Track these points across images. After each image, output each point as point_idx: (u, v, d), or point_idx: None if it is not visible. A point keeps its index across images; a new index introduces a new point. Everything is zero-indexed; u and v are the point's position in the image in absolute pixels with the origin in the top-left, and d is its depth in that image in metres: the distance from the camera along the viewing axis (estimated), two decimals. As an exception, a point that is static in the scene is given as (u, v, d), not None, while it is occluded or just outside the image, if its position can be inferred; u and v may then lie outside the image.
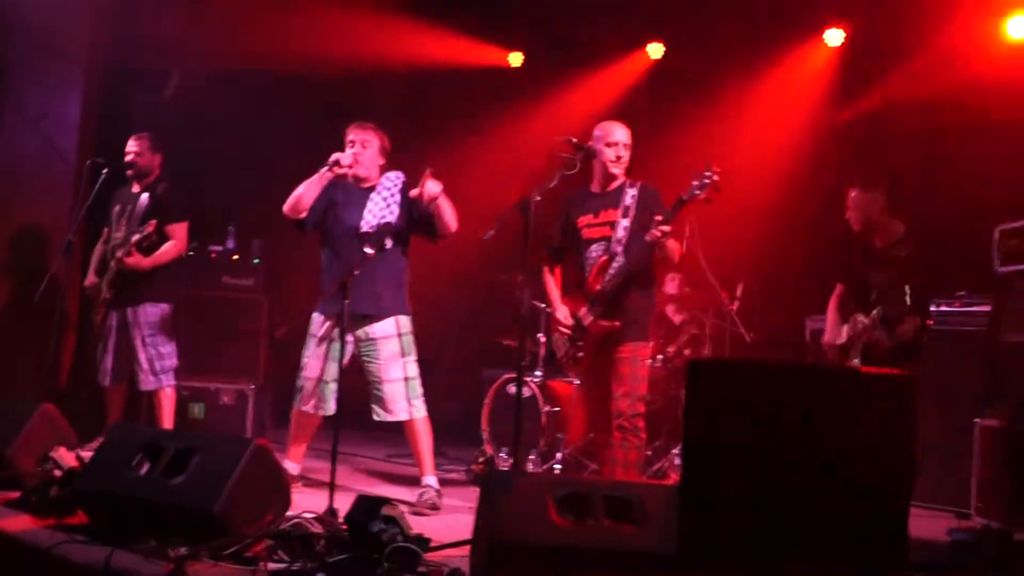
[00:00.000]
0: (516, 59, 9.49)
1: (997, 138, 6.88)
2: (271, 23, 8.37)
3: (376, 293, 5.83)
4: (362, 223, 5.87)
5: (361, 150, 5.97)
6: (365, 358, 5.90)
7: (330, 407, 5.83)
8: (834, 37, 8.05)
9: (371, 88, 9.05)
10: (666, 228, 5.25)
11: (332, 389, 5.78)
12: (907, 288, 5.76)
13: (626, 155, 5.63)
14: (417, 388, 5.92)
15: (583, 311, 5.57)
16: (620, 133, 5.63)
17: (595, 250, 5.61)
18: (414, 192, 5.74)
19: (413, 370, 5.92)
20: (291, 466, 5.93)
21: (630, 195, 5.55)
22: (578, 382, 7.24)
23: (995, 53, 7.18)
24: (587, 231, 5.66)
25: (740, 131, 8.04)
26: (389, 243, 5.89)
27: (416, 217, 5.88)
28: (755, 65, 8.15)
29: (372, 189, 5.99)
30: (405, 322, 5.94)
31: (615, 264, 5.48)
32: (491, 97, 9.22)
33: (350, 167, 5.86)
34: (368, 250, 5.59)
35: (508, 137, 8.93)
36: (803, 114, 8.10)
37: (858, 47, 7.94)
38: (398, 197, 5.95)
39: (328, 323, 5.88)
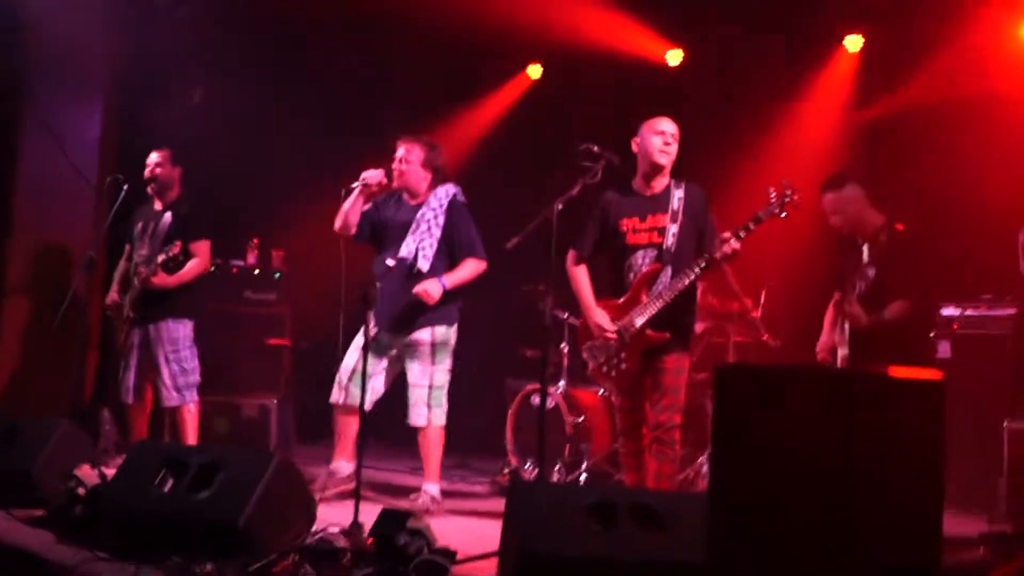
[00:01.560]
0: (535, 71, 9.47)
1: (1021, 140, 6.81)
2: (287, 32, 8.43)
3: (407, 311, 6.00)
4: (403, 246, 6.03)
5: (404, 167, 6.11)
6: (406, 362, 6.09)
7: (356, 397, 5.71)
8: (853, 43, 7.99)
9: (393, 98, 9.08)
10: (736, 246, 5.11)
11: (360, 381, 5.63)
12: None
13: (674, 146, 5.40)
14: (440, 397, 6.04)
15: (625, 321, 5.32)
16: (668, 124, 5.43)
17: (641, 257, 5.38)
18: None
19: (440, 379, 6.06)
20: (343, 466, 6.04)
21: (676, 197, 5.35)
22: (602, 391, 7.22)
23: (1015, 54, 7.11)
24: (632, 236, 5.41)
25: (762, 136, 7.99)
26: (424, 266, 5.99)
27: (457, 242, 6.07)
28: (777, 70, 8.10)
29: (420, 207, 6.11)
30: (442, 331, 6.07)
31: (665, 276, 5.30)
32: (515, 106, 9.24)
33: (382, 183, 5.97)
34: (390, 262, 5.79)
35: (532, 146, 8.94)
36: (825, 118, 8.05)
37: (879, 51, 7.88)
38: (441, 220, 6.05)
39: (376, 328, 6.02)
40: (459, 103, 9.26)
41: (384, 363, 6.12)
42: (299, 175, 8.70)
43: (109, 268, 7.29)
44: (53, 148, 7.90)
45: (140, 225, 6.85)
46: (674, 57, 8.74)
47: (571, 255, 5.61)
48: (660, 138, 5.39)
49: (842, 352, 5.65)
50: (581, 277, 5.60)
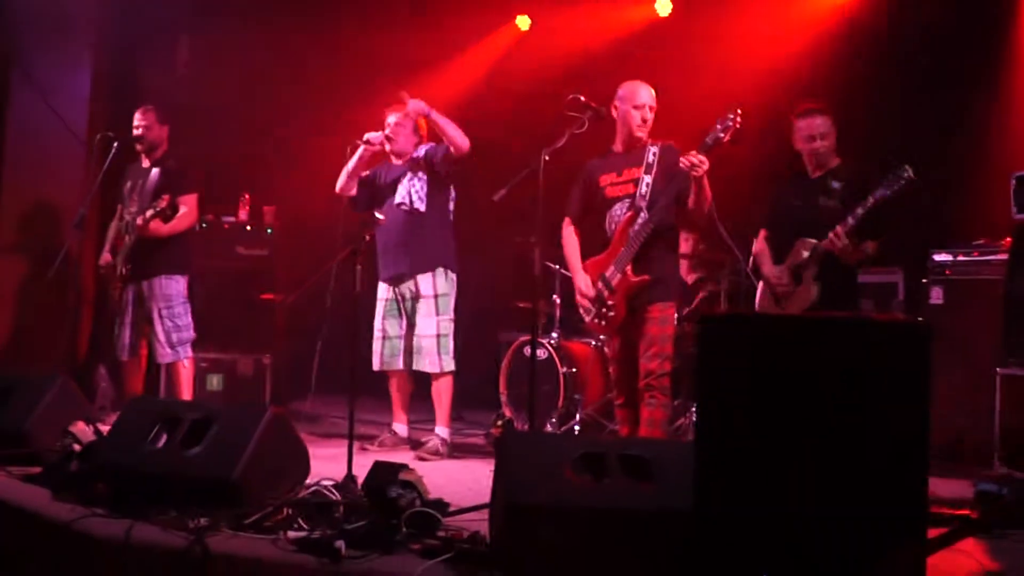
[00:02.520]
0: (524, 22, 9.42)
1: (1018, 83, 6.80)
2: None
3: (410, 255, 6.36)
4: (396, 195, 6.38)
5: (398, 130, 6.46)
6: (409, 312, 6.42)
7: (397, 362, 6.46)
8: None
9: (383, 52, 9.02)
10: (702, 157, 5.12)
11: (398, 345, 6.43)
12: (855, 213, 5.44)
13: (651, 117, 5.56)
14: (448, 344, 6.40)
15: (610, 271, 5.46)
16: (646, 94, 5.55)
17: (618, 208, 5.53)
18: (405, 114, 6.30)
19: (446, 327, 6.40)
20: (399, 428, 6.55)
21: (652, 152, 5.47)
22: (595, 343, 7.25)
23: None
24: (610, 190, 5.59)
25: (748, 83, 7.94)
26: (421, 208, 6.34)
27: (436, 163, 6.34)
28: (767, 18, 8.04)
29: (407, 162, 6.48)
30: (442, 280, 6.41)
31: (640, 220, 5.39)
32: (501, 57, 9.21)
33: (381, 144, 6.38)
34: (378, 215, 5.83)
35: (518, 98, 8.89)
36: (814, 61, 7.99)
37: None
38: (422, 163, 6.41)
39: (384, 286, 6.53)
40: (448, 56, 9.20)
41: (403, 320, 6.47)
42: (290, 130, 8.68)
43: (101, 226, 7.28)
44: (42, 106, 7.86)
45: (129, 184, 6.85)
46: (663, 8, 8.71)
47: (564, 221, 5.79)
48: (639, 113, 5.53)
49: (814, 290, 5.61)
50: (569, 239, 5.78)
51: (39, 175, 7.89)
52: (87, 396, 5.67)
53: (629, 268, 5.39)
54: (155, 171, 6.68)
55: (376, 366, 6.55)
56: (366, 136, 6.34)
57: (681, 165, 5.18)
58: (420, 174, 6.39)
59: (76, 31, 8.11)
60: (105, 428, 4.96)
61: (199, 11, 8.32)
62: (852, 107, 6.83)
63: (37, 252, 7.64)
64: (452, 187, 6.48)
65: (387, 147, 6.44)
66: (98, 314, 7.94)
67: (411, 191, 6.36)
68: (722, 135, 5.20)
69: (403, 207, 6.34)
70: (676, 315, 6.11)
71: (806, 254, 5.60)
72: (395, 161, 6.54)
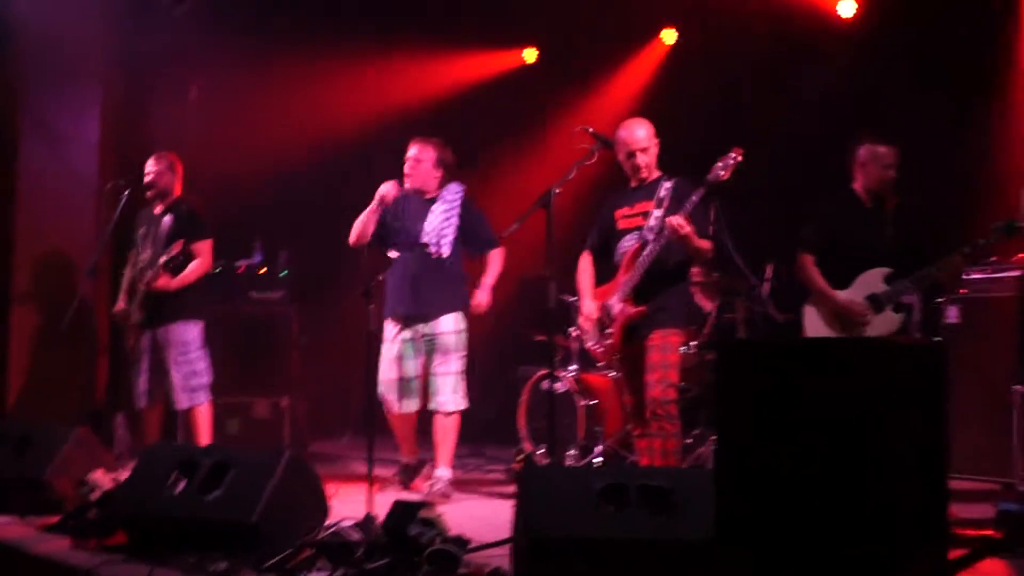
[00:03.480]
0: (531, 55, 9.47)
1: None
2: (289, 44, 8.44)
3: (432, 296, 6.27)
4: (422, 235, 6.29)
5: (415, 165, 6.36)
6: (425, 349, 6.31)
7: (413, 405, 6.34)
8: (846, 8, 7.93)
9: (393, 77, 9.09)
10: (684, 224, 5.16)
11: (415, 386, 6.29)
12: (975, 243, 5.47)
13: (645, 158, 5.57)
14: (462, 383, 6.32)
15: (612, 299, 5.53)
16: (632, 140, 5.57)
17: (627, 240, 5.58)
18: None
19: (461, 366, 6.33)
20: (408, 459, 6.46)
21: (664, 187, 5.49)
22: (614, 374, 7.22)
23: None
24: (622, 222, 5.64)
25: (761, 110, 7.96)
26: (447, 253, 6.28)
27: (471, 239, 6.40)
28: (774, 44, 8.05)
29: (433, 201, 6.39)
30: (462, 320, 6.36)
31: (645, 252, 5.42)
32: (512, 95, 9.23)
33: (397, 193, 6.26)
34: (392, 254, 5.99)
35: (533, 132, 8.93)
36: (821, 92, 8.00)
37: (875, 16, 7.84)
38: (455, 219, 6.34)
39: (397, 326, 6.34)
40: (461, 93, 9.26)
41: (421, 360, 6.33)
42: (303, 173, 8.71)
43: (114, 273, 7.30)
44: (52, 152, 7.91)
45: (142, 230, 6.85)
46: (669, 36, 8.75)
47: (583, 252, 5.88)
48: (629, 161, 5.60)
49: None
50: (582, 266, 5.85)
51: (52, 223, 7.90)
52: (105, 444, 5.67)
53: (630, 298, 5.45)
54: (167, 217, 6.69)
55: (396, 409, 6.33)
56: (380, 195, 6.21)
57: (667, 223, 5.23)
58: (452, 220, 6.32)
59: (86, 74, 8.14)
60: (123, 476, 4.95)
61: (209, 55, 8.38)
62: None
63: (51, 300, 7.65)
64: None
65: (405, 185, 6.33)
66: (114, 362, 7.95)
67: (440, 235, 6.28)
68: (723, 173, 5.27)
69: (430, 249, 6.26)
70: (684, 342, 6.10)
71: (884, 284, 5.56)
72: (415, 194, 6.40)
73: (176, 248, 6.45)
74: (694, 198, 5.33)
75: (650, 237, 5.43)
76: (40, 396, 7.59)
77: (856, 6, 7.83)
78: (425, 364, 6.31)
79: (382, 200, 6.22)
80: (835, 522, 2.91)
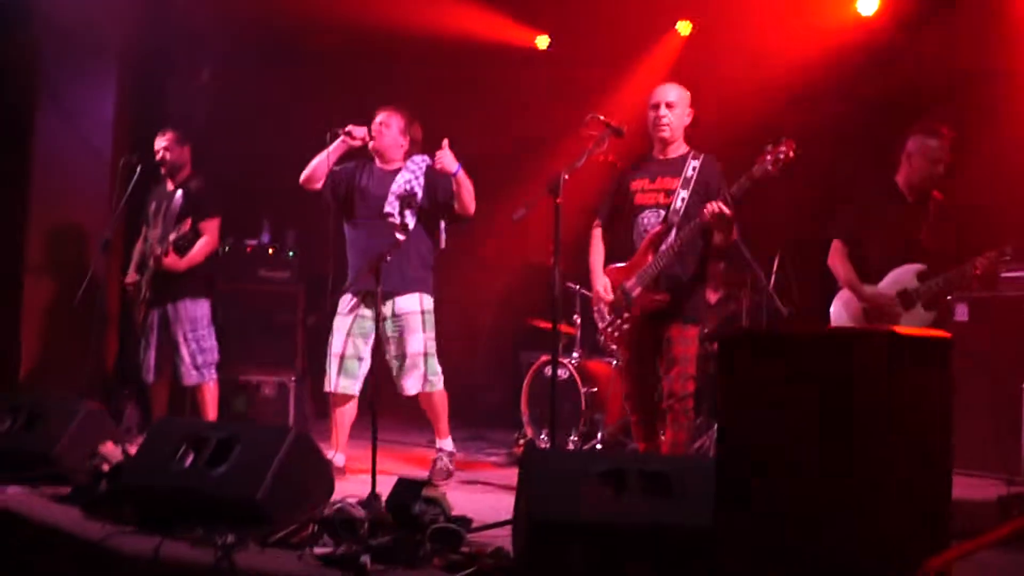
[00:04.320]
0: (543, 41, 9.49)
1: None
2: (301, 7, 8.44)
3: (395, 273, 5.93)
4: (386, 204, 6.05)
5: (382, 129, 6.16)
6: (389, 333, 6.08)
7: (352, 386, 6.05)
8: (866, 6, 7.95)
9: (404, 73, 9.09)
10: (725, 210, 5.03)
11: (358, 366, 6.01)
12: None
13: (669, 115, 5.38)
14: (435, 365, 6.11)
15: (631, 282, 5.37)
16: (661, 92, 5.42)
17: (647, 217, 5.39)
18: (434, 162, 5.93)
19: (432, 347, 6.11)
20: (337, 457, 6.01)
21: (692, 166, 5.30)
22: (616, 362, 7.26)
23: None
24: (640, 196, 5.43)
25: (771, 104, 7.97)
26: (411, 221, 6.03)
27: (440, 200, 6.06)
28: (790, 40, 8.05)
29: (397, 172, 6.16)
30: (428, 300, 6.13)
31: (671, 238, 5.25)
32: (519, 78, 9.24)
33: (363, 140, 6.06)
34: (400, 236, 5.77)
35: (537, 118, 8.93)
36: (837, 80, 8.01)
37: (891, 13, 7.85)
38: (421, 180, 6.12)
39: (354, 300, 6.08)
40: (467, 77, 9.27)
41: (371, 340, 6.06)
42: (312, 153, 8.73)
43: (127, 249, 7.36)
44: (67, 127, 7.95)
45: (154, 205, 6.92)
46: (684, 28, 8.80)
47: (594, 223, 5.71)
48: (653, 112, 5.43)
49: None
50: (594, 243, 5.68)
51: (66, 198, 7.96)
52: (114, 418, 5.73)
53: (652, 284, 5.31)
54: (179, 194, 6.74)
55: (331, 387, 6.09)
56: (348, 127, 6.02)
57: (706, 213, 5.08)
58: (415, 190, 6.07)
59: (101, 52, 8.18)
60: (132, 449, 5.01)
61: (222, 35, 8.41)
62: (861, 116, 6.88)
63: (64, 275, 7.70)
64: (443, 221, 6.23)
65: (369, 144, 6.13)
66: (124, 337, 8.01)
67: (401, 208, 6.04)
68: (771, 168, 5.05)
69: (391, 219, 5.99)
70: (701, 334, 6.14)
71: (917, 281, 5.56)
72: (379, 164, 6.23)
73: (185, 227, 6.51)
74: (691, 171, 5.25)
75: (676, 221, 5.26)
76: (51, 369, 7.65)
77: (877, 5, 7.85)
78: (390, 347, 6.09)
79: (349, 133, 6.01)
80: (836, 512, 2.94)
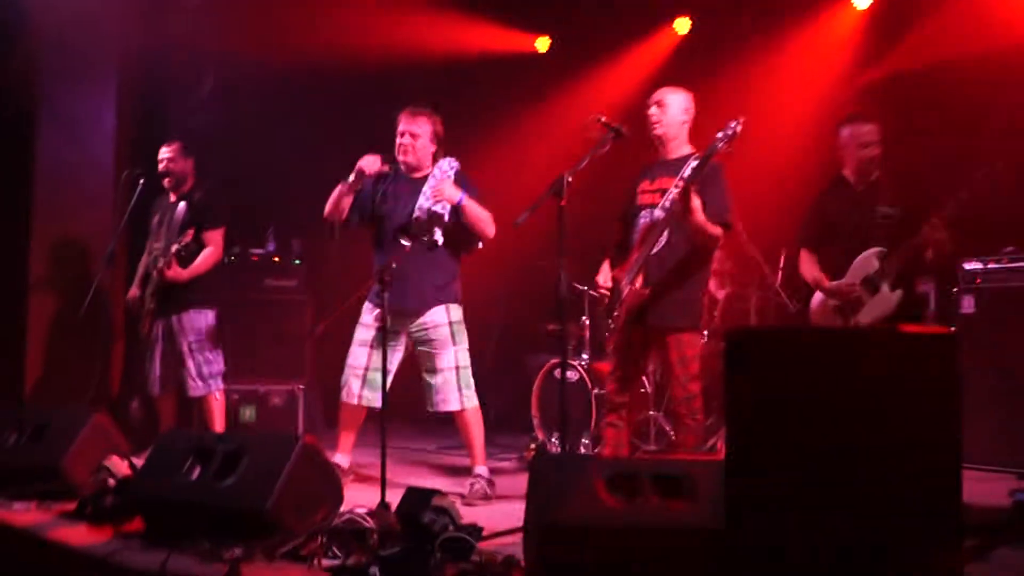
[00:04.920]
0: (543, 44, 9.48)
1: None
2: (301, 19, 8.42)
3: (424, 289, 5.87)
4: (414, 220, 5.86)
5: (411, 141, 5.94)
6: (420, 348, 5.95)
7: (376, 399, 5.84)
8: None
9: (404, 80, 9.06)
10: (675, 196, 5.11)
11: (378, 380, 5.75)
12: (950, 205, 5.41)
13: (659, 114, 5.44)
14: (468, 378, 5.94)
15: (623, 281, 5.40)
16: (656, 93, 5.51)
17: (643, 216, 5.45)
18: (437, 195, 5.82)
19: (465, 359, 5.94)
20: (341, 459, 5.96)
21: (691, 166, 5.29)
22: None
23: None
24: (640, 197, 5.50)
25: (774, 99, 7.94)
26: (439, 237, 5.87)
27: (461, 220, 5.89)
28: (785, 31, 8.05)
29: (423, 180, 5.97)
30: (456, 310, 5.97)
31: (656, 231, 5.30)
32: (521, 82, 9.22)
33: (383, 170, 5.88)
34: (405, 242, 5.60)
35: (541, 121, 8.91)
36: (838, 77, 8.00)
37: (888, 6, 7.83)
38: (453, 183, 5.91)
39: (378, 312, 5.84)
40: (472, 78, 9.26)
41: (398, 355, 5.99)
42: (317, 161, 8.72)
43: (131, 261, 7.34)
44: (68, 141, 7.93)
45: (157, 217, 6.90)
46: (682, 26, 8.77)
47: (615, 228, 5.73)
48: (647, 112, 5.50)
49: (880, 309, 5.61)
50: (612, 246, 5.71)
51: (69, 211, 7.95)
52: (120, 431, 5.71)
53: (640, 279, 5.32)
54: (182, 205, 6.72)
55: (355, 400, 5.97)
56: (359, 167, 5.84)
57: (666, 205, 5.20)
58: (439, 210, 5.84)
59: (102, 64, 8.18)
60: (139, 462, 4.99)
61: (224, 44, 8.39)
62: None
63: (68, 288, 7.69)
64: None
65: (399, 164, 5.94)
66: (129, 349, 8.00)
67: (431, 223, 5.84)
68: (721, 146, 5.10)
69: (422, 237, 5.82)
70: (701, 334, 6.11)
71: (877, 263, 5.61)
72: (405, 171, 6.01)
73: (187, 237, 6.49)
74: (689, 170, 5.22)
75: (660, 215, 5.31)
76: (57, 383, 7.64)
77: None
78: (422, 362, 5.97)
79: (359, 173, 5.84)
80: (845, 512, 2.92)
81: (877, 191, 5.73)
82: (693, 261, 5.38)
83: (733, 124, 5.10)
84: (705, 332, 7.25)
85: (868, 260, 5.64)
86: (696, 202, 5.05)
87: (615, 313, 5.41)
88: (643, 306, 5.31)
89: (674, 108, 5.46)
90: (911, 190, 5.71)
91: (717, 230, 5.22)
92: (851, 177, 5.84)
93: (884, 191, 5.72)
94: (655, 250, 5.30)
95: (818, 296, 5.90)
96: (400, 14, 8.66)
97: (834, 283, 5.73)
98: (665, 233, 5.29)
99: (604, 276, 5.54)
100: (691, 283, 5.38)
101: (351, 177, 5.88)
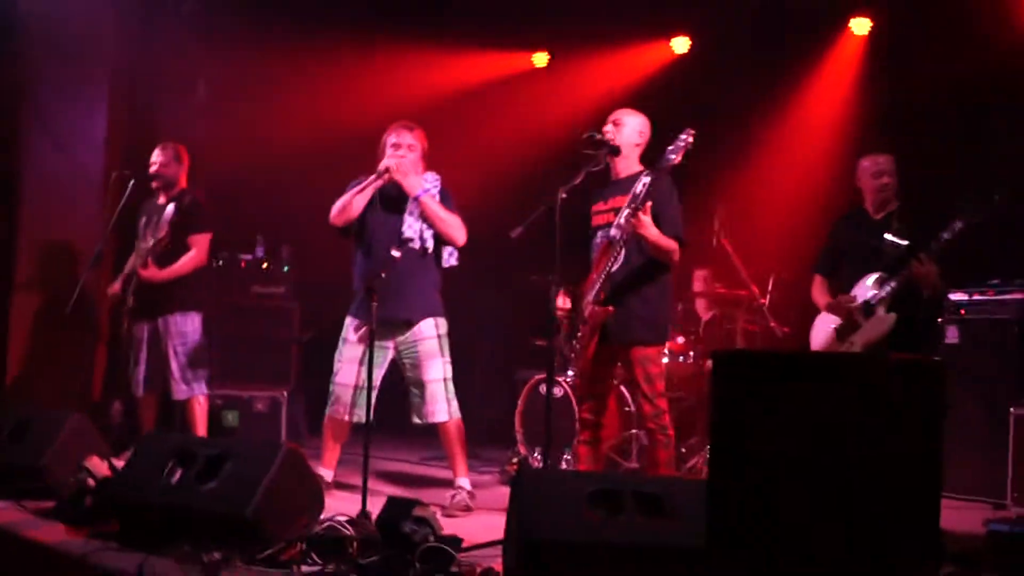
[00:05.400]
0: (541, 59, 9.51)
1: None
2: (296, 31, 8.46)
3: (415, 298, 5.88)
4: (404, 227, 5.86)
5: (408, 153, 5.92)
6: (406, 360, 5.94)
7: (360, 415, 5.85)
8: (860, 25, 8.00)
9: (396, 77, 9.10)
10: (632, 220, 5.10)
11: (365, 397, 5.70)
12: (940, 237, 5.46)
13: (614, 131, 5.46)
14: (452, 389, 5.95)
15: (584, 300, 5.39)
16: (615, 113, 5.56)
17: (599, 237, 5.46)
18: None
19: (449, 371, 5.96)
20: (325, 472, 5.93)
21: (642, 183, 5.26)
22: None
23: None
24: (595, 218, 5.53)
25: (768, 122, 7.99)
26: (431, 247, 5.90)
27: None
28: (782, 56, 8.09)
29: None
30: (443, 323, 5.99)
31: (613, 252, 5.28)
32: (521, 98, 9.26)
33: (399, 170, 5.84)
34: (395, 253, 5.55)
35: (540, 136, 8.93)
36: (832, 103, 8.04)
37: (885, 33, 7.87)
38: (437, 199, 5.92)
39: (364, 328, 5.82)
40: (464, 94, 9.28)
41: (383, 367, 5.95)
42: (306, 167, 8.73)
43: (118, 263, 7.32)
44: (58, 146, 7.92)
45: (144, 219, 6.88)
46: (681, 45, 8.80)
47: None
48: (604, 129, 5.49)
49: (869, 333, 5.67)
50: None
51: (56, 213, 7.92)
52: (102, 432, 5.69)
53: (600, 297, 5.31)
54: (170, 207, 6.66)
55: (347, 417, 5.93)
56: (383, 165, 5.82)
57: (620, 224, 5.20)
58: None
59: (93, 69, 8.15)
60: (119, 463, 4.97)
61: (216, 49, 8.40)
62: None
63: (54, 290, 7.67)
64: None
65: (392, 172, 5.85)
66: (113, 351, 7.97)
67: (423, 228, 5.86)
68: (673, 156, 5.11)
69: (412, 244, 5.82)
70: (688, 351, 6.13)
71: (875, 288, 5.69)
72: (391, 185, 5.94)
73: (162, 232, 6.46)
74: (641, 187, 5.20)
75: (616, 234, 5.29)
76: (40, 383, 7.61)
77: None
78: (406, 373, 5.96)
79: (386, 171, 5.80)
80: (827, 535, 2.92)
81: (891, 220, 5.83)
82: (652, 277, 5.40)
83: (683, 137, 5.13)
84: (691, 353, 7.28)
85: (866, 284, 5.73)
86: (647, 219, 5.07)
87: (579, 333, 5.40)
88: (606, 323, 5.32)
89: (629, 128, 5.51)
90: (922, 218, 5.76)
91: (673, 244, 5.25)
92: (869, 207, 5.97)
93: (897, 220, 5.81)
94: (614, 268, 5.30)
95: (818, 321, 6.03)
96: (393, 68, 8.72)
97: (833, 300, 5.89)
98: (623, 251, 5.30)
99: (563, 298, 5.51)
100: (651, 299, 5.40)
101: (373, 177, 5.84)
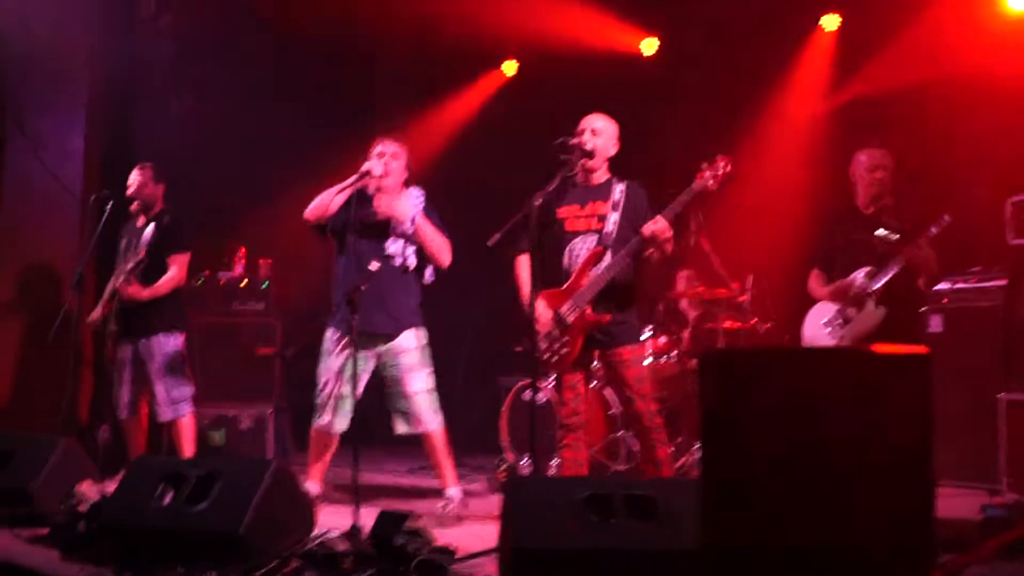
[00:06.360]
0: (511, 67, 9.54)
1: (1007, 111, 6.83)
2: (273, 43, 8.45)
3: (396, 312, 5.88)
4: (388, 243, 5.87)
5: (392, 161, 5.90)
6: (390, 371, 5.92)
7: (344, 424, 5.85)
8: (830, 22, 8.06)
9: (377, 88, 9.12)
10: (659, 225, 5.15)
11: (348, 406, 5.77)
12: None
13: (593, 140, 5.45)
14: (436, 400, 5.97)
15: (566, 307, 5.33)
16: (587, 120, 5.53)
17: (580, 242, 5.41)
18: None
19: (433, 382, 5.97)
20: (312, 486, 5.90)
21: (618, 190, 5.39)
22: (595, 383, 7.20)
23: (996, 26, 7.14)
24: (571, 223, 5.46)
25: (742, 121, 8.02)
26: (412, 264, 5.91)
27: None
28: (754, 54, 8.13)
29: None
30: (423, 334, 5.99)
31: (605, 260, 5.31)
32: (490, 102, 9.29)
33: (381, 177, 5.82)
34: (374, 266, 5.51)
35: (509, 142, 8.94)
36: (805, 100, 8.08)
37: (855, 30, 7.92)
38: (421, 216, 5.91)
39: (344, 339, 5.83)
40: (437, 104, 9.29)
41: (364, 378, 5.89)
42: (283, 183, 8.71)
43: (99, 285, 7.29)
44: (37, 164, 7.88)
45: (125, 241, 6.86)
46: (649, 46, 8.82)
47: (516, 260, 5.65)
48: (578, 138, 5.47)
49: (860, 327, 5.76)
50: (519, 269, 5.64)
51: (36, 235, 7.90)
52: (90, 456, 5.67)
53: (588, 307, 5.30)
54: (150, 227, 6.66)
55: (333, 428, 5.86)
56: (366, 167, 5.77)
57: (645, 231, 5.19)
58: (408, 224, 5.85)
59: (71, 85, 8.12)
60: (110, 487, 4.95)
61: (195, 66, 8.39)
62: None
63: (35, 312, 7.66)
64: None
65: (375, 181, 5.82)
66: (98, 375, 7.95)
67: (405, 245, 5.87)
68: (711, 183, 5.22)
69: (394, 260, 5.83)
70: (671, 350, 6.17)
71: (865, 281, 5.78)
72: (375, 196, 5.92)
73: (140, 253, 6.45)
74: (619, 194, 5.36)
75: (610, 243, 5.32)
76: (25, 407, 7.58)
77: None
78: (388, 386, 5.94)
79: (368, 173, 5.76)
80: (819, 531, 2.93)
81: (883, 215, 5.92)
82: (636, 281, 5.50)
83: (721, 164, 5.26)
84: (675, 352, 7.30)
85: (857, 278, 5.82)
86: (670, 233, 5.21)
87: (564, 339, 5.37)
88: (597, 329, 5.34)
89: (606, 136, 5.52)
90: (912, 213, 5.87)
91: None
92: (862, 201, 6.03)
93: (889, 214, 5.90)
94: (601, 274, 5.31)
95: (810, 314, 6.12)
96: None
97: (832, 285, 6.00)
98: (607, 256, 5.33)
99: (539, 309, 5.32)
100: (635, 302, 5.51)
101: (353, 179, 5.80)
